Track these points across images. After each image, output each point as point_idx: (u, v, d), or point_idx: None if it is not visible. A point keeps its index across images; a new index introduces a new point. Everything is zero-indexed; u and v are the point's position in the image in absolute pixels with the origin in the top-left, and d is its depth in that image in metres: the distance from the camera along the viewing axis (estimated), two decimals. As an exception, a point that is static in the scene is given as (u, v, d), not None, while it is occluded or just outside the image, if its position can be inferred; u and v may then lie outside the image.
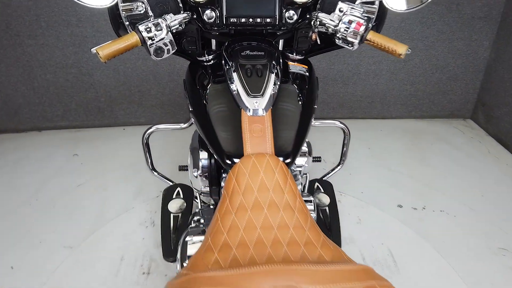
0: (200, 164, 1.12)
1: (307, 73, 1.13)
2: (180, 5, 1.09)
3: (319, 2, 1.14)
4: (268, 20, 1.10)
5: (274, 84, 1.01)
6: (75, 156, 2.34)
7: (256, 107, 0.96)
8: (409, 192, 2.09)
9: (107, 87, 2.51)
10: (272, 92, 0.99)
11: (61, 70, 2.42)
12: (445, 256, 1.67)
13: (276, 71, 1.03)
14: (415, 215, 1.93)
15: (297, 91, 1.07)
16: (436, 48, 2.54)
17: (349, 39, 1.03)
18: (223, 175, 1.09)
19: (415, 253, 1.69)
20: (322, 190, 1.55)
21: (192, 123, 1.46)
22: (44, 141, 2.50)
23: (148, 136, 1.44)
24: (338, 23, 1.03)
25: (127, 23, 1.07)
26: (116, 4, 0.98)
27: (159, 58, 1.03)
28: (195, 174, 1.12)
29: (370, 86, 2.67)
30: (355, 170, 2.26)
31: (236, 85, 0.99)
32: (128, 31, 1.08)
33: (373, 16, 1.14)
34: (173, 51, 1.04)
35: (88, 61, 2.41)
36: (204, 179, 1.13)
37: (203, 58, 1.11)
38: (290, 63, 1.13)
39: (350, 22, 1.02)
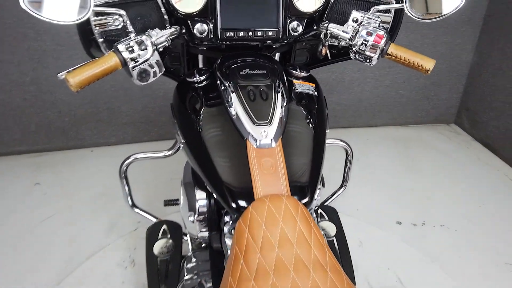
0: (197, 206, 0.93)
1: (315, 93, 0.98)
2: (166, 17, 0.91)
3: (326, 11, 0.99)
4: (270, 33, 0.93)
5: (282, 108, 0.85)
6: (37, 185, 2.08)
7: (264, 137, 0.80)
8: (406, 206, 1.98)
9: (71, 105, 2.26)
10: (280, 117, 0.83)
11: (17, 89, 2.15)
12: (455, 277, 1.57)
13: (282, 92, 0.87)
14: (416, 232, 1.82)
15: (305, 113, 0.91)
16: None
17: (367, 53, 0.89)
18: (226, 219, 0.92)
19: (424, 277, 1.57)
20: (327, 218, 1.40)
21: (177, 149, 1.27)
22: (0, 169, 2.21)
23: (126, 168, 1.24)
24: (355, 36, 0.89)
25: (101, 39, 0.88)
26: (88, 18, 0.78)
27: (144, 83, 0.84)
28: (191, 219, 0.94)
29: (355, 94, 2.57)
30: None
31: (237, 111, 0.83)
32: (103, 51, 0.89)
33: (388, 26, 1.01)
34: (161, 73, 0.85)
35: (49, 78, 2.15)
36: (202, 223, 0.95)
37: (194, 79, 0.93)
38: (295, 81, 0.98)
39: (369, 34, 0.88)
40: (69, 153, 2.36)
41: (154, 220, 1.34)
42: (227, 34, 0.92)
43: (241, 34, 0.92)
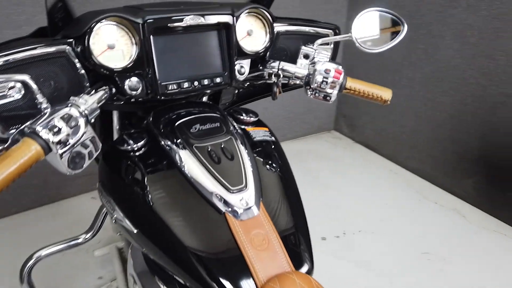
0: None
1: (272, 138, 0.88)
2: (82, 72, 0.69)
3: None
4: (218, 79, 0.80)
5: (251, 165, 0.73)
6: None
7: (245, 206, 0.67)
8: (322, 219, 2.03)
9: None
10: (253, 177, 0.71)
11: None
12: (392, 280, 1.64)
13: (244, 145, 0.76)
14: (341, 243, 1.86)
15: (272, 164, 0.82)
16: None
17: (328, 90, 0.83)
18: None
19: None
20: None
21: (98, 229, 1.02)
22: None
23: (29, 271, 0.94)
24: (313, 73, 0.82)
25: None
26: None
27: (78, 170, 0.61)
28: None
29: (247, 117, 2.55)
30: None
31: (203, 180, 0.67)
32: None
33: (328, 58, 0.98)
34: (97, 152, 0.64)
35: None
36: None
37: (129, 147, 0.73)
38: (248, 129, 0.86)
39: (327, 70, 0.82)
40: None
41: None
42: (170, 88, 0.74)
43: (186, 85, 0.76)
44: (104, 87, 0.67)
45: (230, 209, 0.65)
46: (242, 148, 0.74)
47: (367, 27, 0.86)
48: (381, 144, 2.67)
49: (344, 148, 2.81)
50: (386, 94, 0.86)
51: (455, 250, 1.81)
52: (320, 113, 2.90)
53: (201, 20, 0.73)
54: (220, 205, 0.65)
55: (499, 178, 1.99)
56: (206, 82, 0.78)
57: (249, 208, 0.66)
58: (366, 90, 0.85)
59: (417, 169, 2.43)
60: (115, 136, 0.94)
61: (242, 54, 0.82)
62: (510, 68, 1.83)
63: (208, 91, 0.85)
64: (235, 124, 0.82)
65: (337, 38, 0.90)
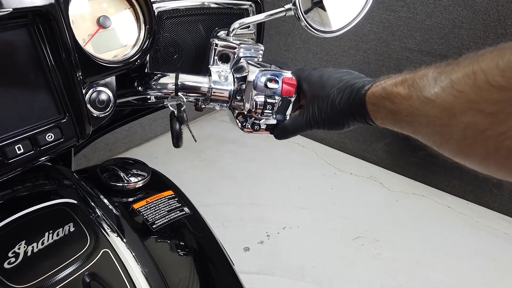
0: None
1: (185, 209, 0.51)
2: None
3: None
4: (50, 136, 0.37)
5: None
6: None
7: None
8: (236, 227, 1.70)
9: None
10: None
11: None
12: (331, 275, 1.43)
13: (141, 257, 0.37)
14: (267, 249, 1.58)
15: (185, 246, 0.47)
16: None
17: (275, 118, 0.46)
18: None
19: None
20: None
21: None
22: None
23: None
24: (246, 90, 0.44)
25: None
26: None
27: None
28: None
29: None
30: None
31: None
32: None
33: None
34: None
35: None
36: None
37: None
38: (138, 205, 0.49)
39: (272, 82, 0.43)
40: None
41: None
42: None
43: None
44: None
45: None
46: (136, 269, 0.34)
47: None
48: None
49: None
50: None
51: (385, 228, 1.68)
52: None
53: None
54: None
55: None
56: (19, 150, 0.33)
57: None
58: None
59: (324, 139, 2.24)
60: None
61: (96, 70, 0.38)
62: (411, 20, 1.66)
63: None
64: (107, 203, 0.40)
65: (274, 13, 0.50)
